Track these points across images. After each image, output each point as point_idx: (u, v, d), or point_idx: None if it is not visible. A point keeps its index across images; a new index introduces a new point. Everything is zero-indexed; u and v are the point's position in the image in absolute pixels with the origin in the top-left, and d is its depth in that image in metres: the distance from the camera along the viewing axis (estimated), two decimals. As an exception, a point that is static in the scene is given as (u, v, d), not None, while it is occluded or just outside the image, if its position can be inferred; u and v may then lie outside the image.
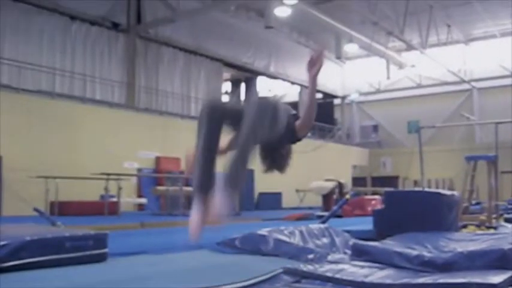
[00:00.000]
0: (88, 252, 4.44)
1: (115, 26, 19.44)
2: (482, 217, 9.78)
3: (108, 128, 16.38)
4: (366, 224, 7.57)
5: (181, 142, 18.92)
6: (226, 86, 29.18)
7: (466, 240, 5.16)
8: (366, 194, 18.94)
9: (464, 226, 8.94)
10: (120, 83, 19.17)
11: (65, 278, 3.77)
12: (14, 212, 12.44)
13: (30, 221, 7.15)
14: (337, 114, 31.76)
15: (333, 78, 30.14)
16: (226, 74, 26.09)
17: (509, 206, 14.66)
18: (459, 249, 4.47)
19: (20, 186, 13.05)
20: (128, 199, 15.46)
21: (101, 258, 4.54)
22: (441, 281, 3.60)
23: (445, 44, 26.28)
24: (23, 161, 13.72)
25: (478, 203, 14.63)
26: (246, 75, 26.36)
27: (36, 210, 9.50)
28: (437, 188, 22.33)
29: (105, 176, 12.57)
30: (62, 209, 12.56)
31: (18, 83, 15.16)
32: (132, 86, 19.27)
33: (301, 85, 27.82)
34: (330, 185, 15.65)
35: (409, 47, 25.12)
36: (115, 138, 16.42)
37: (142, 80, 19.90)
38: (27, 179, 12.58)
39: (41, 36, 17.21)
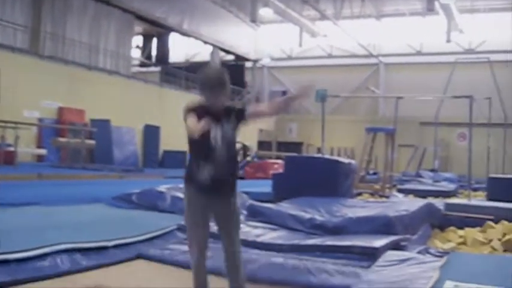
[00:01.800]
0: (-26, 201, 4.26)
1: (21, -35, 18.34)
2: (377, 186, 10.27)
3: (9, 73, 15.55)
4: (266, 187, 7.74)
5: (86, 94, 18.43)
6: (138, 40, 28.46)
7: (358, 207, 5.40)
8: (270, 158, 19.27)
9: (359, 194, 9.36)
10: (24, 27, 18.17)
11: None
12: None
13: None
14: (247, 77, 31.86)
15: (246, 41, 30.11)
16: (138, 27, 25.36)
17: (403, 178, 15.46)
18: (349, 215, 4.68)
19: None
20: (27, 149, 14.87)
21: (-11, 207, 4.38)
22: (328, 243, 3.76)
23: (357, 17, 26.87)
24: None
25: (374, 173, 15.30)
26: (159, 31, 25.77)
27: None
28: (339, 156, 23.11)
29: (1, 124, 12.00)
30: (-47, 156, 11.91)
31: None
32: (37, 31, 18.33)
33: (213, 45, 27.59)
34: (235, 146, 15.78)
35: (323, 17, 25.49)
36: (15, 85, 15.64)
37: (48, 26, 18.96)
38: None
39: None
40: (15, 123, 12.18)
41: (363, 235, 4.14)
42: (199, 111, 2.89)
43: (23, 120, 13.90)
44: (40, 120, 16.52)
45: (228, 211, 2.97)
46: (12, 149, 12.40)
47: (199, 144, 2.86)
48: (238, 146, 15.92)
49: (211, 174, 2.84)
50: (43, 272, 2.84)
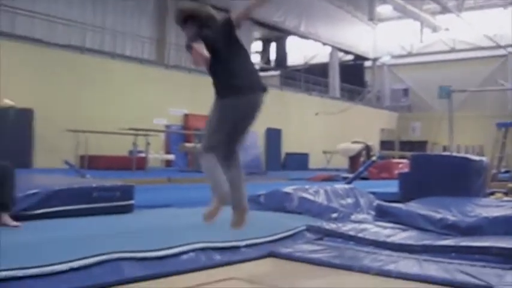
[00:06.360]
0: (115, 203, 4.54)
1: (147, -18, 19.33)
2: (511, 185, 9.68)
3: (138, 84, 16.46)
4: (392, 186, 7.55)
5: (209, 100, 18.99)
6: (256, 46, 29.00)
7: (492, 206, 5.11)
8: (393, 158, 18.81)
9: (492, 193, 8.86)
10: (151, 39, 19.17)
11: (90, 226, 3.87)
12: (45, 164, 12.72)
13: (60, 173, 7.31)
14: (367, 77, 31.39)
15: (365, 39, 29.68)
16: (256, 33, 25.83)
17: (539, 175, 14.43)
18: (484, 215, 4.44)
19: (51, 139, 13.31)
20: (156, 155, 15.63)
21: (127, 210, 4.64)
22: (463, 243, 3.59)
23: (481, 7, 25.58)
24: (54, 115, 13.91)
25: (507, 171, 14.41)
26: (277, 35, 26.08)
27: (66, 162, 9.72)
28: (466, 154, 22.08)
29: (133, 132, 12.70)
30: (91, 163, 12.77)
31: (50, 37, 15.26)
32: (163, 42, 19.26)
33: (331, 46, 27.47)
34: (357, 147, 15.56)
35: (444, 10, 24.54)
36: (144, 95, 16.50)
37: (172, 37, 19.86)
38: (58, 133, 12.79)
39: (73, -9, 17.22)
40: (146, 130, 12.84)
41: (500, 236, 3.92)
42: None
43: (153, 128, 14.63)
44: (167, 127, 17.31)
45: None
46: (143, 155, 13.09)
47: None
48: (360, 146, 15.75)
49: None
50: (182, 267, 3.00)
